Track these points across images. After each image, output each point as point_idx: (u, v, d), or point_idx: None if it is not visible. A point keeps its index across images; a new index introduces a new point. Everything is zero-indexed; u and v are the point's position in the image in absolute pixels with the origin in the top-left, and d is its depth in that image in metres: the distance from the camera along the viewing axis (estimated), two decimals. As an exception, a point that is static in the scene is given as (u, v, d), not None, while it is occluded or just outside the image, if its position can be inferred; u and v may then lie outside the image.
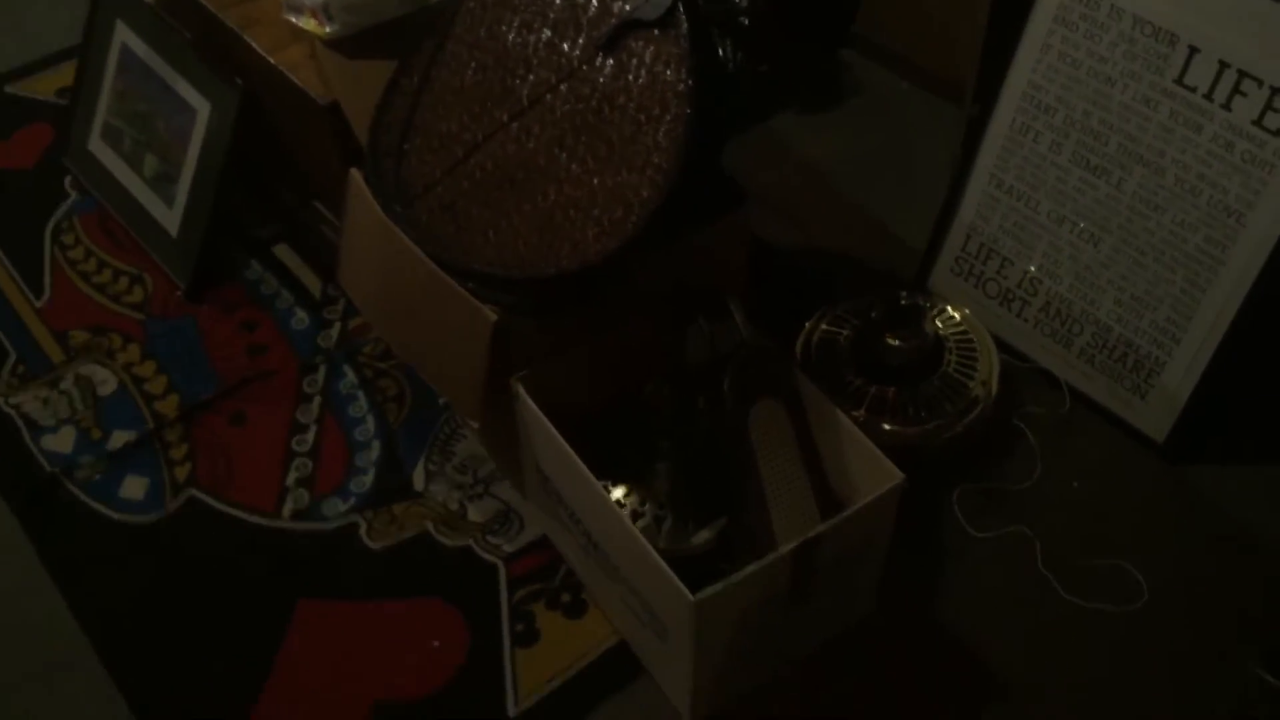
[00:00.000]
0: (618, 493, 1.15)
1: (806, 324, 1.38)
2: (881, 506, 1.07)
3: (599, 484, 1.06)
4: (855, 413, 1.29)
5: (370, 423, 1.36)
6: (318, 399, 1.38)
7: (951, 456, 1.30)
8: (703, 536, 1.13)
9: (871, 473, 1.09)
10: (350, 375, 1.40)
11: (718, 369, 1.11)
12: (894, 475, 1.06)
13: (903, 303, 1.34)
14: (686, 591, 0.98)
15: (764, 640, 1.09)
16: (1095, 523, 1.27)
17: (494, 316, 1.08)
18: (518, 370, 1.12)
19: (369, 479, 1.31)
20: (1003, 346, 1.39)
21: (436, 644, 1.18)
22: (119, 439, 1.34)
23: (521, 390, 1.12)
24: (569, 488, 1.12)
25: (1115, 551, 1.23)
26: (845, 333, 1.36)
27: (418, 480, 1.30)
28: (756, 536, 1.09)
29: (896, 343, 1.30)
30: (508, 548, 1.25)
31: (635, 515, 1.14)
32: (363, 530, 1.26)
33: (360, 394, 1.38)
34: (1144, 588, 1.21)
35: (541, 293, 1.07)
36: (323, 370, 1.40)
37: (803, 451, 1.12)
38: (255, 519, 1.28)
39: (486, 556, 1.24)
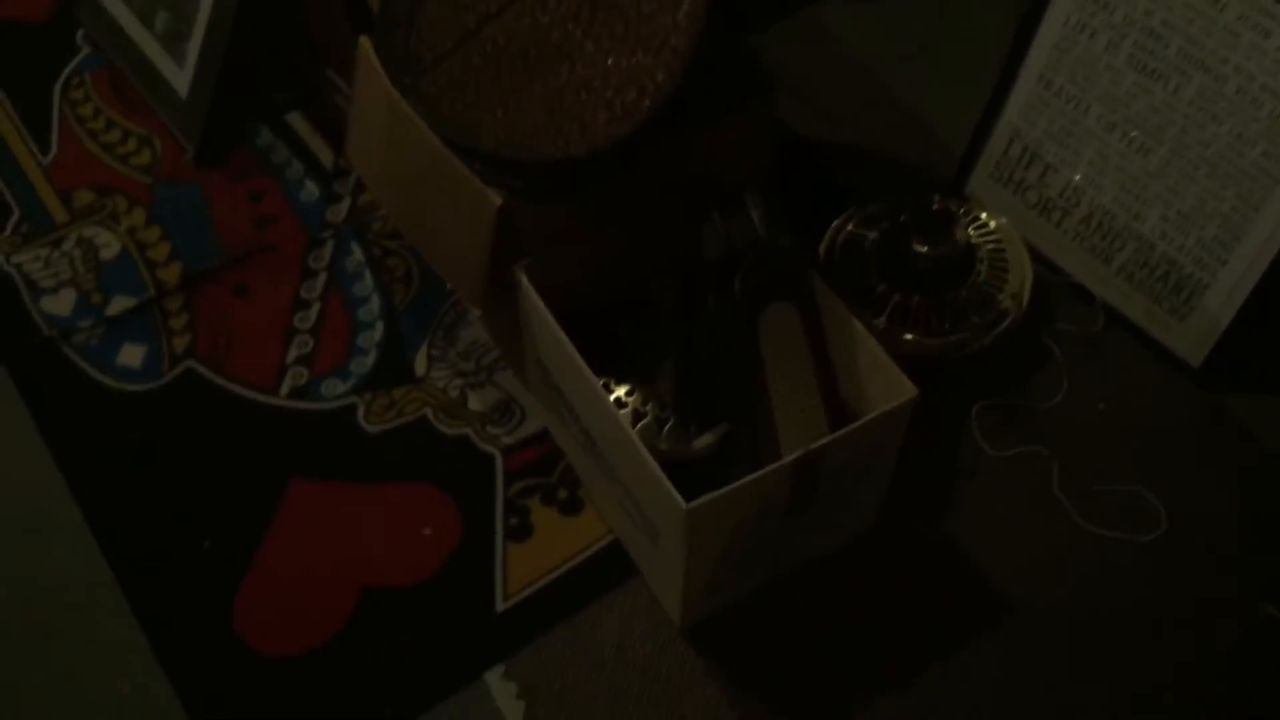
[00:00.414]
0: (620, 391, 1.10)
1: (834, 223, 1.32)
2: (891, 421, 1.02)
3: (597, 381, 1.01)
4: (876, 320, 1.23)
5: (375, 303, 1.32)
6: (323, 275, 1.34)
7: (974, 371, 1.25)
8: (704, 441, 1.09)
9: (885, 385, 1.04)
10: (357, 253, 1.36)
11: (731, 268, 1.05)
12: (907, 389, 1.01)
13: (935, 208, 1.27)
14: (679, 499, 0.94)
15: (758, 550, 1.05)
16: (1118, 447, 1.22)
17: (499, 200, 1.03)
18: (522, 258, 1.08)
19: (370, 360, 1.27)
20: (1037, 258, 1.32)
21: (428, 532, 1.16)
22: (119, 304, 1.31)
23: (524, 278, 1.07)
24: (567, 382, 1.08)
25: (1136, 478, 1.18)
26: (872, 236, 1.30)
27: (419, 365, 1.27)
28: (759, 444, 1.04)
29: (924, 249, 1.24)
30: (506, 439, 1.21)
31: (636, 415, 1.10)
32: (360, 412, 1.23)
33: (366, 272, 1.34)
34: (1162, 517, 1.16)
35: (548, 177, 1.01)
36: (330, 246, 1.36)
37: (814, 359, 1.07)
38: (252, 395, 1.25)
39: (484, 447, 1.21)
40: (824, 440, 0.98)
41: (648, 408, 1.10)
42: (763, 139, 1.15)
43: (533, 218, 1.06)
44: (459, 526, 1.16)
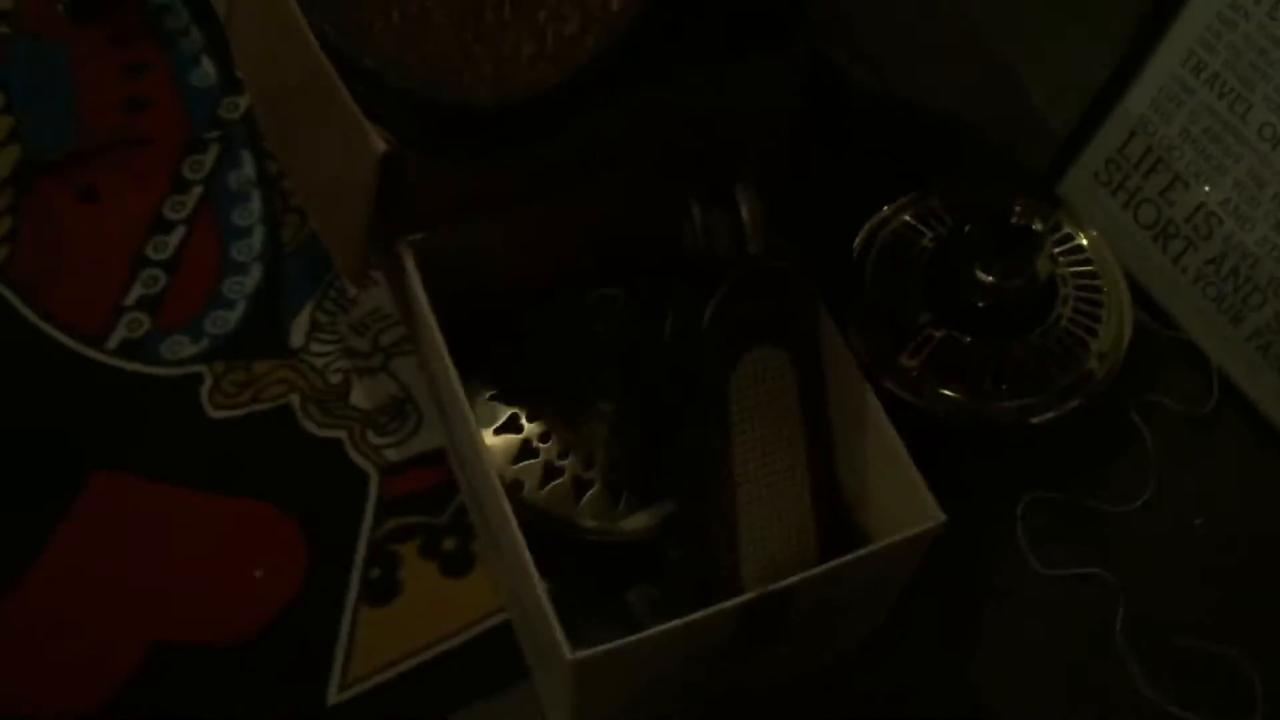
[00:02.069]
0: (530, 430, 0.79)
1: (882, 210, 0.98)
2: (900, 554, 0.70)
3: (470, 413, 0.70)
4: (908, 362, 0.90)
5: (257, 238, 0.99)
6: (198, 190, 1.02)
7: (1030, 450, 0.92)
8: (637, 523, 0.77)
9: (900, 491, 0.72)
10: (248, 166, 1.03)
11: (703, 286, 0.72)
12: (929, 513, 0.69)
13: (1013, 220, 0.92)
14: (563, 641, 0.63)
15: (685, 689, 0.74)
16: (1214, 585, 0.89)
17: (383, 147, 0.70)
18: (413, 229, 0.75)
19: (234, 317, 0.96)
20: (1138, 296, 0.98)
21: (258, 574, 0.85)
22: (-76, 193, 1.00)
23: (408, 258, 0.74)
24: (448, 408, 0.76)
25: (1232, 635, 0.86)
26: (927, 238, 0.96)
27: (296, 333, 0.95)
28: (708, 551, 0.73)
29: (989, 278, 0.90)
30: (391, 453, 0.90)
31: (549, 471, 0.78)
32: (205, 387, 0.92)
33: (255, 195, 1.02)
34: (1259, 699, 0.84)
35: (448, 124, 0.68)
36: (214, 151, 1.03)
37: (807, 432, 0.75)
38: (69, 342, 0.94)
39: (359, 460, 0.90)
40: (793, 579, 0.66)
41: (565, 461, 0.78)
42: (783, 101, 0.80)
43: (434, 175, 0.73)
44: (300, 571, 0.86)
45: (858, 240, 0.98)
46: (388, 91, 0.69)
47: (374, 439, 0.91)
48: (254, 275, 0.98)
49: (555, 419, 0.79)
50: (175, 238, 0.99)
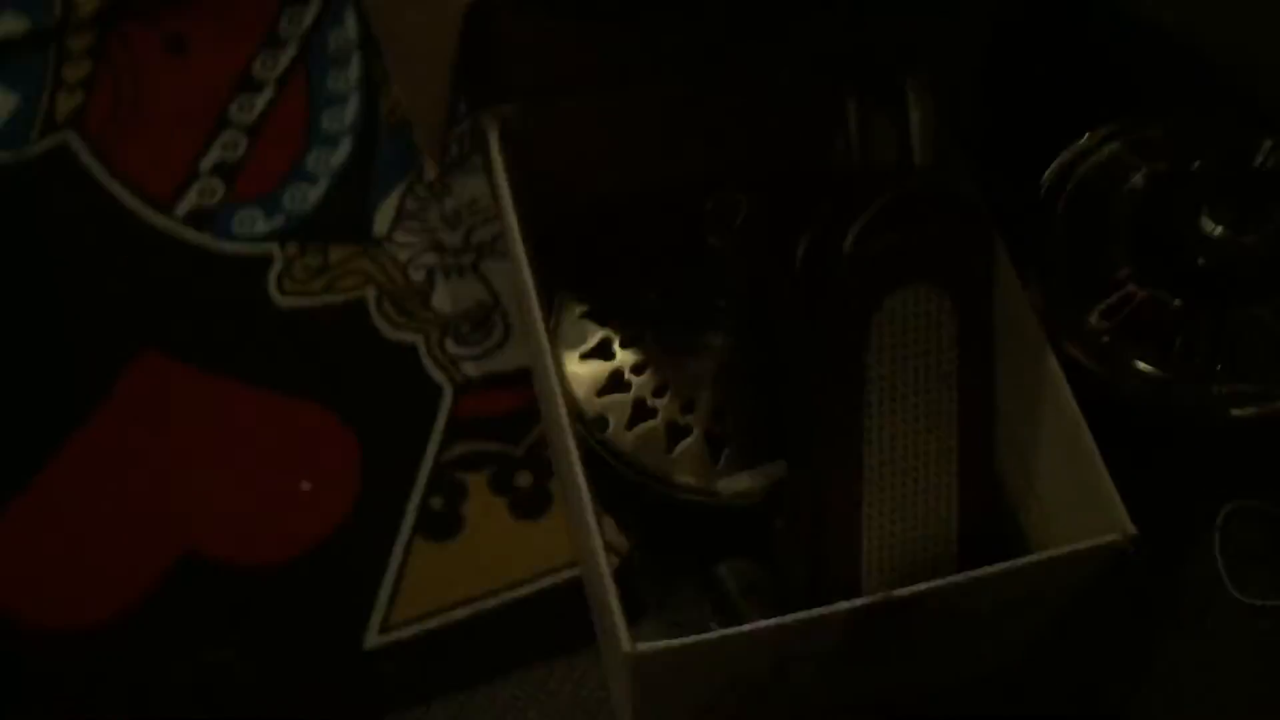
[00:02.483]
0: (624, 359, 0.65)
1: (1085, 136, 0.81)
2: (1068, 568, 0.55)
3: (544, 332, 0.57)
4: (1097, 323, 0.74)
5: (351, 108, 0.87)
6: (292, 48, 0.90)
7: (1240, 448, 0.75)
8: (738, 485, 0.63)
9: (1078, 488, 0.56)
10: (350, 26, 0.90)
11: (849, 204, 0.57)
12: (1116, 522, 0.53)
13: (1261, 161, 0.74)
14: (623, 630, 0.50)
15: (785, 694, 0.61)
16: None
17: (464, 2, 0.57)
18: (505, 100, 0.62)
19: (315, 194, 0.84)
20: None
21: (306, 487, 0.75)
22: (3, 26, 0.90)
23: (493, 132, 0.61)
24: (524, 316, 0.63)
25: None
26: (1140, 174, 0.78)
27: (381, 219, 0.83)
28: (823, 529, 0.59)
29: (1219, 229, 0.72)
30: (470, 368, 0.78)
31: (640, 409, 0.65)
32: (274, 271, 0.81)
33: (355, 59, 0.89)
34: None
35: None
36: (315, 6, 0.91)
37: (963, 395, 0.60)
38: (136, 205, 0.84)
39: (433, 370, 0.78)
40: (925, 586, 0.52)
41: (659, 401, 0.65)
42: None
43: (530, 33, 0.59)
44: (353, 490, 0.75)
45: (1049, 171, 0.81)
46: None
47: (453, 349, 0.79)
48: (343, 149, 0.86)
49: (654, 349, 0.66)
50: (262, 99, 0.88)
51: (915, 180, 0.56)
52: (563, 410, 0.55)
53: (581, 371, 0.66)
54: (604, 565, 0.52)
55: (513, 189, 0.60)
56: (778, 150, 0.64)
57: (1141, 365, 0.73)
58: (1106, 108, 0.82)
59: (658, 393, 0.65)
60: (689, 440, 0.64)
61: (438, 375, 0.78)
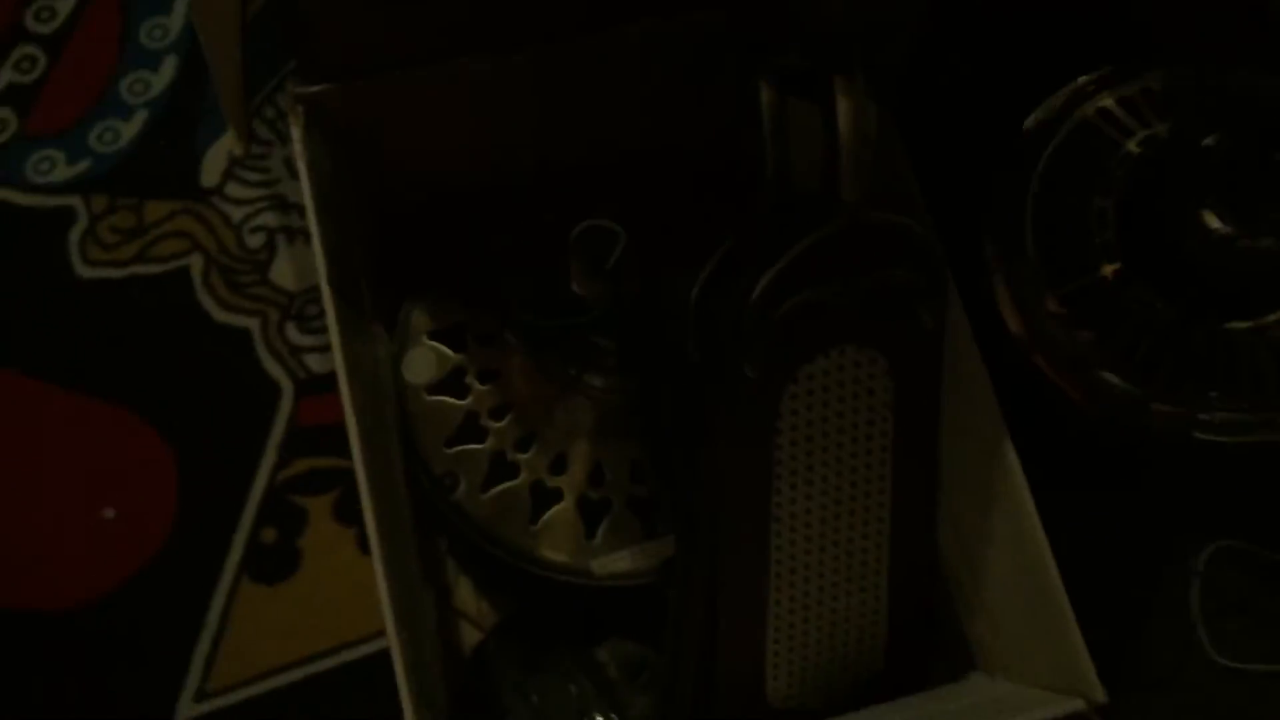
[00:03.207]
0: (480, 396, 0.52)
1: (1077, 80, 0.66)
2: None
3: (343, 360, 0.43)
4: (1069, 328, 0.60)
5: (178, 18, 0.71)
6: (106, -65, 0.73)
7: (1226, 481, 0.63)
8: (617, 565, 0.51)
9: (1038, 626, 0.44)
10: (178, -94, 0.73)
11: (760, 234, 0.43)
12: (1083, 683, 0.41)
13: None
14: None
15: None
16: None
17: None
18: (322, 69, 0.46)
19: (129, 131, 0.68)
20: None
21: (109, 514, 0.62)
22: None
23: (296, 117, 0.46)
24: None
25: None
26: (1135, 139, 0.64)
27: (212, 166, 0.68)
28: (719, 631, 0.47)
29: (1224, 227, 0.58)
30: (315, 362, 0.64)
31: (499, 464, 0.52)
32: (77, 231, 0.67)
33: (185, -52, 0.72)
34: None
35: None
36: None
37: (897, 479, 0.47)
38: (-97, 143, 0.68)
39: (270, 363, 0.64)
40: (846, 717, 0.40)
41: (523, 455, 0.51)
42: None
43: (337, 9, 0.44)
44: (168, 519, 0.62)
45: (1031, 119, 0.66)
46: None
47: (295, 336, 0.65)
48: (166, 72, 0.70)
49: (519, 386, 0.52)
50: (68, 2, 0.71)
51: (846, 215, 0.42)
52: (359, 463, 0.42)
53: (425, 409, 0.52)
54: (400, 665, 0.41)
55: (318, 189, 0.45)
56: (670, 150, 0.49)
57: (1120, 382, 0.60)
58: (1103, 48, 0.67)
59: (521, 445, 0.51)
60: (559, 507, 0.51)
61: (275, 370, 0.64)
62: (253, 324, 0.65)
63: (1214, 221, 0.58)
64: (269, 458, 0.63)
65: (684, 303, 0.44)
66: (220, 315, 0.65)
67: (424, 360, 0.52)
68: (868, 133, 0.42)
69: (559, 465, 0.51)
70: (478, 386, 0.52)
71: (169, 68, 0.70)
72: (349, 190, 0.50)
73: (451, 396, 0.52)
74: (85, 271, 0.66)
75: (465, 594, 0.56)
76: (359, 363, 0.46)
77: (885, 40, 0.45)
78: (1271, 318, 0.61)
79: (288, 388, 0.64)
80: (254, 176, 0.68)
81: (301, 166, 0.44)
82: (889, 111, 0.46)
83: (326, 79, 0.45)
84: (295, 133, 0.45)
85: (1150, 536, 0.63)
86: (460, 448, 0.52)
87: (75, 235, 0.66)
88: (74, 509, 0.61)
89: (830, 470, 0.46)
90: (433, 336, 0.53)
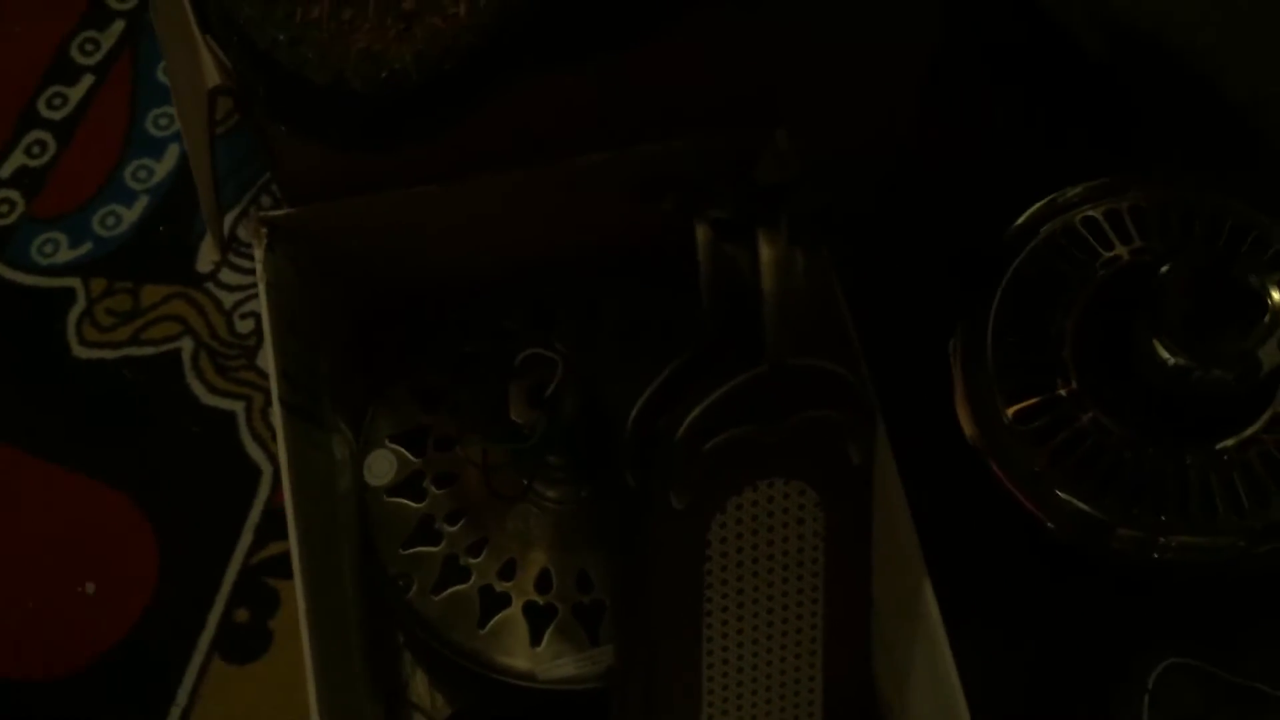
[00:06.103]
0: (436, 501, 0.54)
1: (1067, 191, 0.67)
2: None
3: (355, 471, 0.46)
4: (1028, 447, 0.62)
5: (183, 105, 0.74)
6: (119, 25, 0.76)
7: (1178, 598, 0.64)
8: (561, 670, 0.53)
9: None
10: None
11: (688, 371, 0.45)
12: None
13: (1242, 277, 0.60)
14: None
15: None
16: None
17: (215, 79, 0.44)
18: (300, 196, 0.49)
19: (130, 216, 0.72)
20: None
21: (90, 589, 0.64)
22: None
23: (261, 232, 0.49)
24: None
25: None
26: (1103, 258, 0.65)
27: (206, 251, 0.71)
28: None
29: (1173, 360, 0.59)
30: (295, 446, 0.67)
31: (451, 568, 0.54)
32: (75, 311, 0.70)
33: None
34: None
35: (287, 92, 0.41)
36: (149, -26, 0.77)
37: (830, 595, 0.49)
38: (-80, 220, 0.71)
39: (252, 447, 0.67)
40: None
41: (475, 560, 0.53)
42: (921, 28, 0.50)
43: (298, 146, 0.46)
44: (146, 596, 0.64)
45: (1013, 228, 0.68)
46: (232, 26, 0.42)
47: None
48: (169, 160, 0.73)
49: (475, 493, 0.54)
50: (79, 90, 0.74)
51: (769, 360, 0.44)
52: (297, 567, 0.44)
53: (385, 511, 0.54)
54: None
55: (277, 313, 0.48)
56: (628, 244, 0.51)
57: (1077, 503, 0.62)
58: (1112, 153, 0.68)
59: (473, 549, 0.53)
60: (506, 612, 0.53)
61: (256, 453, 0.67)
62: (238, 407, 0.68)
63: (1164, 353, 0.60)
64: (245, 539, 0.65)
65: (622, 428, 0.46)
66: (208, 398, 0.68)
67: (384, 462, 0.55)
68: (793, 284, 0.44)
69: (508, 571, 0.53)
70: (434, 491, 0.54)
71: (171, 156, 0.73)
72: (316, 301, 0.52)
73: (409, 499, 0.54)
74: (81, 352, 0.69)
75: (420, 688, 0.59)
76: (309, 473, 0.48)
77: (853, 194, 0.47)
78: (1228, 443, 0.62)
79: (268, 471, 0.66)
80: (246, 264, 0.70)
81: (261, 289, 0.47)
82: (824, 257, 0.47)
83: (296, 203, 0.48)
84: (258, 254, 0.48)
85: (1100, 652, 0.64)
86: (415, 549, 0.54)
87: (74, 316, 0.69)
88: (56, 582, 0.64)
89: (762, 595, 0.48)
90: (394, 439, 0.55)
